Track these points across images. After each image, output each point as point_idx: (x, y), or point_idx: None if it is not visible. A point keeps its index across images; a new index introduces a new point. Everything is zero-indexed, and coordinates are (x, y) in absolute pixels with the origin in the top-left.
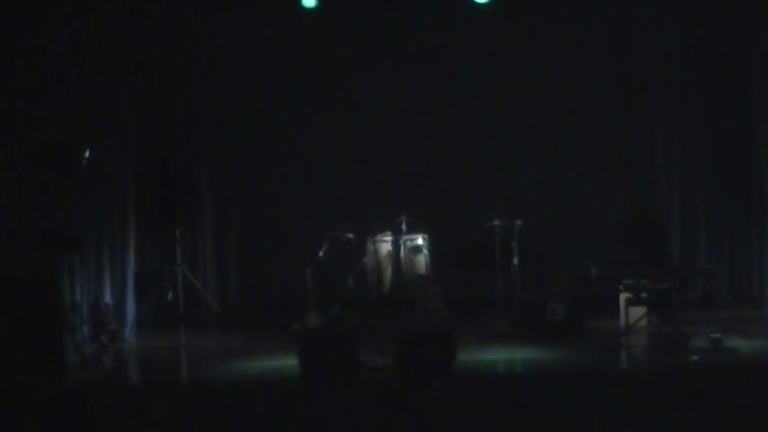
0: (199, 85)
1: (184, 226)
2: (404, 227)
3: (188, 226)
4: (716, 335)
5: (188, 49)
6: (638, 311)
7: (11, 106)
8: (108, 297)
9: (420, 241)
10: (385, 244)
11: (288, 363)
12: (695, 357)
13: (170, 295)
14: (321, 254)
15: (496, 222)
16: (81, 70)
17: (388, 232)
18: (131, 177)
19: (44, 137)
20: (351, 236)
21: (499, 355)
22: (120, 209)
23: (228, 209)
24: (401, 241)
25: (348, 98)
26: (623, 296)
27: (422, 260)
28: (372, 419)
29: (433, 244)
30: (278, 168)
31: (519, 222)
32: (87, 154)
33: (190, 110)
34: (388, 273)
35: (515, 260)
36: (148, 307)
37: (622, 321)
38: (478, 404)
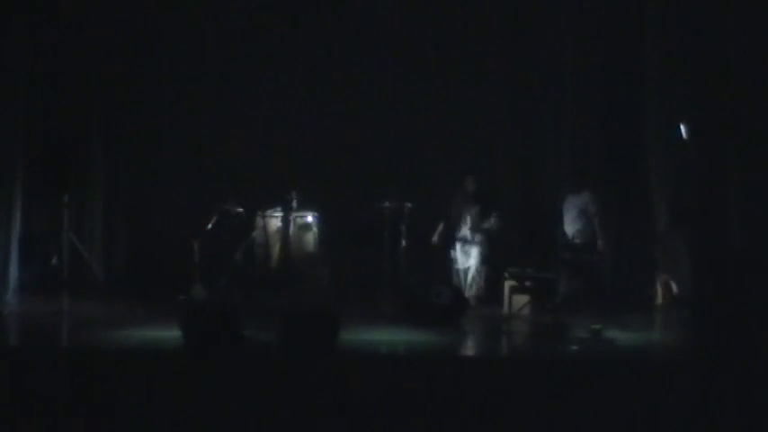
0: (95, 51)
1: (72, 191)
2: (294, 204)
3: (76, 191)
4: (596, 326)
5: (86, 16)
6: (521, 299)
7: None
8: None
9: (310, 219)
10: (274, 220)
11: (171, 334)
12: (574, 347)
13: (54, 260)
14: (210, 227)
15: (387, 204)
16: None
17: (279, 208)
18: (20, 139)
19: None
20: (240, 210)
21: (382, 337)
22: (7, 170)
23: (119, 176)
24: (291, 218)
25: (243, 72)
26: (508, 284)
27: (311, 238)
28: (252, 394)
29: (323, 222)
30: (170, 139)
31: (409, 205)
32: None
33: (84, 74)
34: (276, 249)
35: (403, 243)
36: (32, 271)
37: (506, 308)
38: (359, 384)
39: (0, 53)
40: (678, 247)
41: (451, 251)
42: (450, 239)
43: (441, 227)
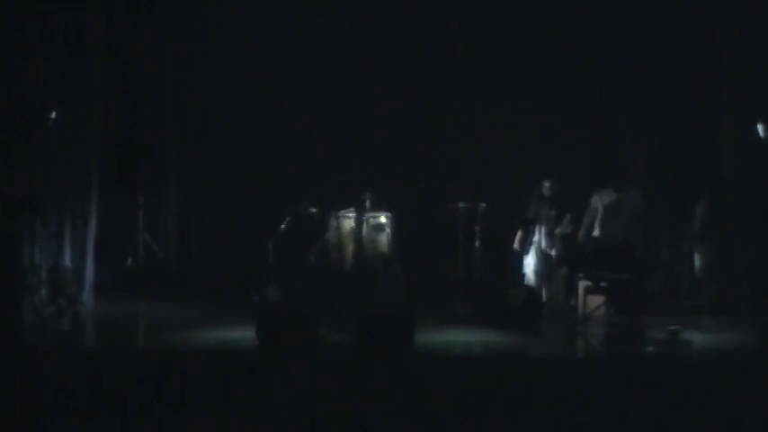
0: (168, 53)
1: (147, 193)
2: (368, 204)
3: (151, 193)
4: (673, 327)
5: (160, 16)
6: (596, 300)
7: None
8: (68, 260)
9: (383, 219)
10: (348, 221)
11: (245, 335)
12: (651, 349)
13: (130, 261)
14: (284, 227)
15: (460, 205)
16: (51, 32)
17: (352, 209)
18: (96, 141)
19: (10, 96)
20: (314, 211)
21: (457, 338)
22: (83, 172)
23: (193, 178)
24: (364, 219)
25: (319, 73)
26: (582, 284)
27: (384, 239)
28: (327, 396)
29: (397, 223)
30: (244, 140)
31: (483, 206)
32: (53, 115)
33: (158, 76)
34: (349, 250)
35: (477, 243)
36: (108, 272)
37: (580, 309)
38: (434, 385)
39: (76, 56)
40: (748, 248)
41: (527, 255)
42: (528, 244)
43: (520, 233)
